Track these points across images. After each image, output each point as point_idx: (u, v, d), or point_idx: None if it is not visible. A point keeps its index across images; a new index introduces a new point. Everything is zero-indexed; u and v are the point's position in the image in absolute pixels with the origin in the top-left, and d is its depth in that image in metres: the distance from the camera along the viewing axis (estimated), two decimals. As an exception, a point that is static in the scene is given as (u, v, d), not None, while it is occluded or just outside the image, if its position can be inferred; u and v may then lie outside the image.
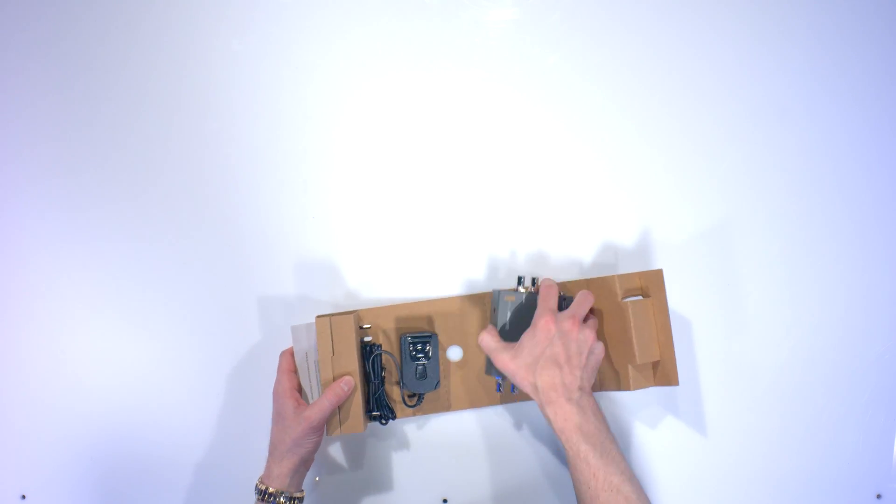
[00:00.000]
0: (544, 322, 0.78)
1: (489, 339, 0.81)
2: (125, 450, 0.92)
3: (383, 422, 0.87)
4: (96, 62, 0.93)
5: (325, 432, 0.83)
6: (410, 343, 0.86)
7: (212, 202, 0.91)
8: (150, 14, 0.92)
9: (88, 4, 0.92)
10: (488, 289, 0.90)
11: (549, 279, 0.83)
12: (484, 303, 0.89)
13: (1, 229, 0.94)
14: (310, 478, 0.90)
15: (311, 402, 0.84)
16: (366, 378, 0.85)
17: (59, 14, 0.93)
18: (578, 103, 0.91)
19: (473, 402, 0.89)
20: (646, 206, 0.91)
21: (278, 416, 0.83)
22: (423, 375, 0.86)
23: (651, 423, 0.90)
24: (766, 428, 0.90)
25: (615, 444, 0.76)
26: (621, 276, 0.82)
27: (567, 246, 0.91)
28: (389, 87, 0.91)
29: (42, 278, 0.93)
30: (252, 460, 0.89)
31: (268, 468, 0.81)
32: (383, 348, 0.87)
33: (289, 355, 0.86)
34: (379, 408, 0.86)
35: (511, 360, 0.78)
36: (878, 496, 0.90)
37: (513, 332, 0.83)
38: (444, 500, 0.91)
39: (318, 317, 0.83)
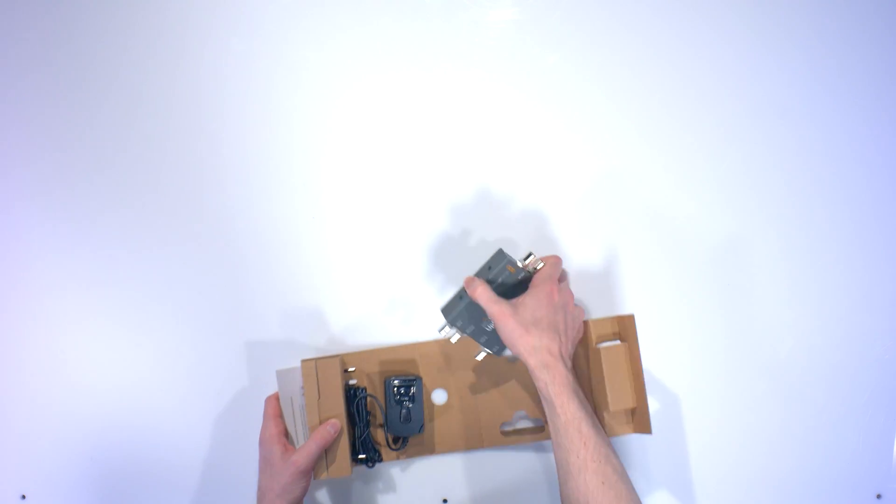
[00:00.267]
0: (550, 288, 0.78)
1: (486, 291, 0.79)
2: (125, 450, 0.92)
3: (370, 464, 0.87)
4: (94, 64, 0.93)
5: (310, 482, 0.83)
6: (395, 386, 0.87)
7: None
8: (150, 14, 0.92)
9: (86, 7, 0.92)
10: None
11: (557, 256, 0.84)
12: (470, 346, 0.86)
13: (1, 232, 0.94)
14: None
15: (297, 446, 0.84)
16: (351, 421, 0.86)
17: (58, 16, 0.92)
18: (578, 103, 0.91)
19: (457, 446, 0.89)
20: (646, 206, 0.91)
21: (265, 463, 0.82)
22: (408, 419, 0.87)
23: (651, 406, 0.89)
24: (766, 428, 0.90)
25: (592, 413, 0.77)
26: (595, 322, 0.83)
27: (568, 247, 0.91)
28: (390, 88, 0.91)
29: (42, 280, 0.93)
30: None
31: None
32: (368, 391, 0.87)
33: (274, 400, 0.86)
34: (365, 450, 0.86)
35: (511, 316, 0.77)
36: (878, 496, 0.90)
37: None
38: (444, 501, 0.91)
39: (304, 361, 0.83)
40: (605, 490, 0.73)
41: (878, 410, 0.90)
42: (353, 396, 0.86)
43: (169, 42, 0.92)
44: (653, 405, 0.90)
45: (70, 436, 0.92)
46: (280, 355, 0.90)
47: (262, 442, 0.84)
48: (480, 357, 0.85)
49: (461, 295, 0.83)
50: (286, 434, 0.85)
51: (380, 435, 0.88)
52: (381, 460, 0.87)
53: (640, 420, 0.81)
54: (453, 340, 0.84)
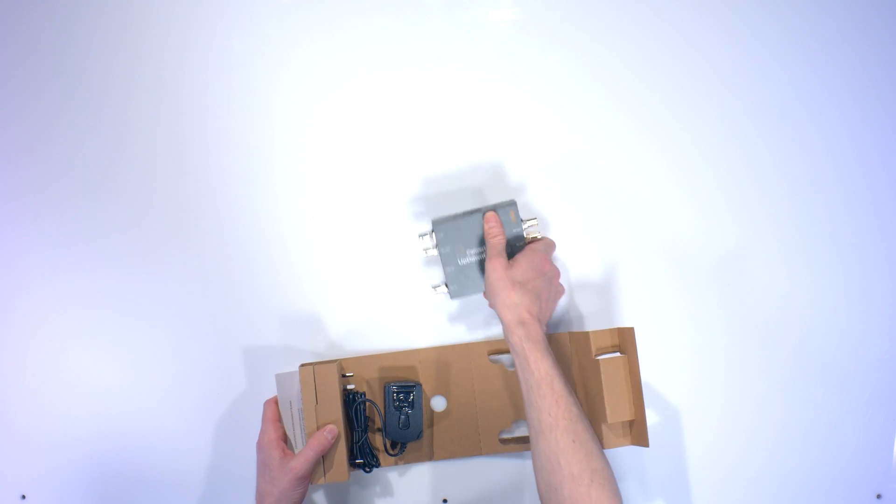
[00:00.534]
0: (542, 258, 0.82)
1: (502, 238, 0.82)
2: (124, 452, 0.92)
3: (367, 469, 0.87)
4: (93, 65, 0.93)
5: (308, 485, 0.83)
6: (394, 392, 0.86)
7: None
8: (151, 14, 0.92)
9: (86, 7, 0.92)
10: (472, 338, 0.90)
11: (552, 240, 0.87)
12: (469, 353, 0.89)
13: (1, 234, 0.94)
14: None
15: (296, 450, 0.84)
16: (349, 426, 0.86)
17: (58, 16, 0.92)
18: (579, 104, 0.91)
19: (455, 453, 0.89)
20: (646, 206, 0.91)
21: (264, 467, 0.82)
22: (407, 425, 0.86)
23: (650, 423, 0.90)
24: (766, 428, 0.90)
25: (565, 377, 0.78)
26: (595, 333, 0.83)
27: (568, 253, 0.91)
28: (390, 88, 0.91)
29: (42, 282, 0.93)
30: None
31: None
32: (367, 397, 0.87)
33: (273, 404, 0.86)
34: (363, 456, 0.86)
35: (504, 268, 0.80)
36: (878, 496, 0.90)
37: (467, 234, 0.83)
38: (444, 501, 0.91)
39: (302, 365, 0.83)
40: (576, 448, 0.73)
41: (878, 410, 0.90)
42: (351, 401, 0.86)
43: (168, 43, 0.92)
44: (651, 413, 0.90)
45: (70, 436, 0.92)
46: (279, 360, 0.90)
47: (261, 446, 0.84)
48: (436, 290, 0.85)
49: (460, 217, 0.84)
50: (285, 438, 0.84)
51: (378, 440, 0.88)
52: (378, 465, 0.87)
53: (637, 433, 0.81)
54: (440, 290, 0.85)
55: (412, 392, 0.86)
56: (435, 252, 0.84)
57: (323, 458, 0.83)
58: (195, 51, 0.92)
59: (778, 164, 0.91)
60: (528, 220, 0.84)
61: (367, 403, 0.86)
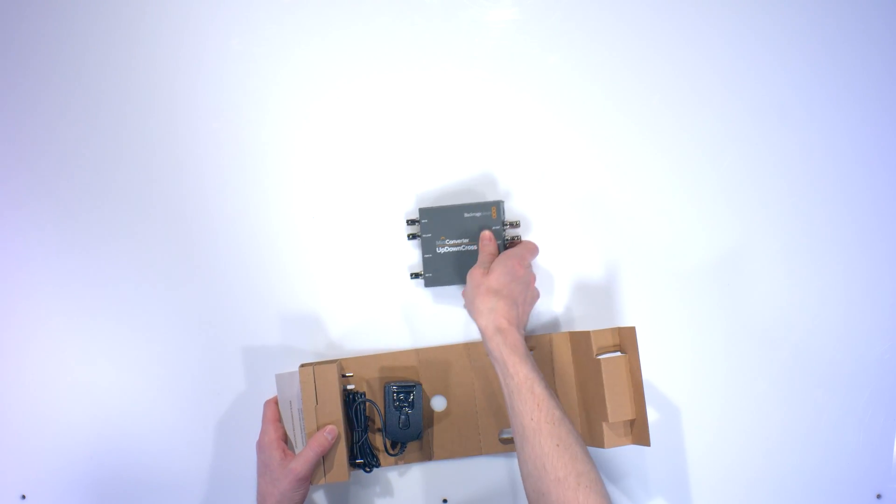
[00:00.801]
0: (515, 263, 0.82)
1: (494, 247, 0.85)
2: (124, 452, 0.92)
3: (367, 469, 0.87)
4: (92, 65, 0.93)
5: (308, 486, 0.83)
6: (395, 392, 0.86)
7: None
8: (150, 14, 0.92)
9: (85, 8, 0.92)
10: (472, 338, 0.90)
11: (535, 244, 0.87)
12: (469, 353, 0.89)
13: (2, 237, 0.94)
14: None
15: (296, 450, 0.84)
16: (349, 426, 0.85)
17: (58, 17, 0.92)
18: (579, 104, 0.91)
19: (456, 453, 0.89)
20: (646, 205, 0.91)
21: (264, 468, 0.82)
22: (407, 425, 0.86)
23: (651, 422, 0.89)
24: (766, 428, 0.90)
25: (544, 379, 0.79)
26: (596, 332, 0.83)
27: (568, 253, 0.91)
28: (390, 88, 0.91)
29: (42, 282, 0.93)
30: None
31: None
32: (367, 397, 0.87)
33: (273, 404, 0.86)
34: (363, 455, 0.86)
35: (481, 276, 0.81)
36: (878, 496, 0.90)
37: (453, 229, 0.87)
38: (444, 501, 0.91)
39: (302, 366, 0.83)
40: (561, 452, 0.73)
41: (878, 410, 0.90)
42: (351, 401, 0.85)
43: (168, 43, 0.92)
44: (652, 412, 0.90)
45: (70, 437, 0.92)
46: (279, 360, 0.90)
47: (261, 447, 0.84)
48: (413, 279, 0.88)
49: (447, 208, 0.87)
50: (285, 438, 0.84)
51: (378, 440, 0.88)
52: (378, 465, 0.87)
53: (638, 432, 0.81)
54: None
55: (412, 392, 0.86)
56: (418, 236, 0.88)
57: (323, 459, 0.83)
58: (195, 51, 0.92)
59: (778, 164, 0.91)
60: (512, 222, 0.87)
61: (367, 403, 0.86)
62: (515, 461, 0.90)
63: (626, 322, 0.90)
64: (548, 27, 0.91)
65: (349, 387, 0.87)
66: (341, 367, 0.87)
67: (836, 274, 0.90)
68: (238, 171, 0.92)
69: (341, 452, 0.83)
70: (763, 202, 0.90)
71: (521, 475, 0.76)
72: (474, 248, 0.87)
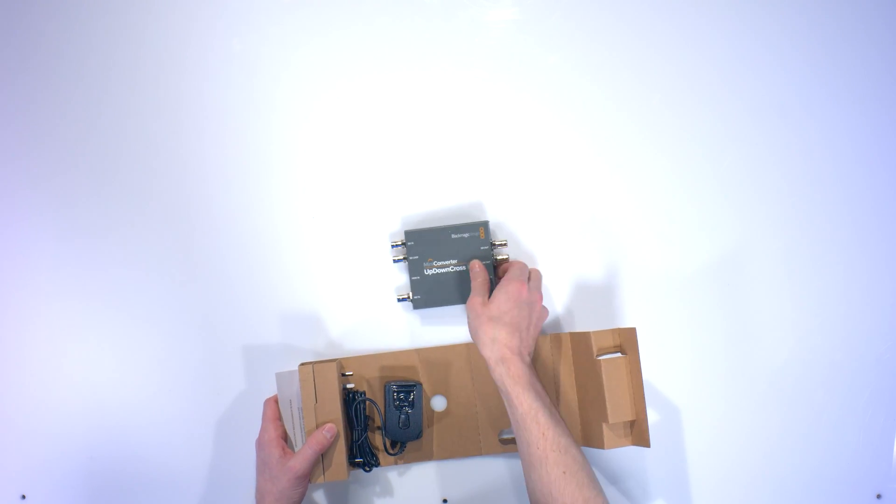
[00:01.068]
0: (518, 286, 0.81)
1: (486, 277, 0.84)
2: (124, 451, 0.92)
3: (367, 469, 0.87)
4: (92, 65, 0.93)
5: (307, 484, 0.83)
6: (395, 391, 0.86)
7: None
8: (150, 14, 0.92)
9: (85, 6, 0.92)
10: (470, 339, 0.89)
11: (522, 262, 0.87)
12: (469, 353, 0.89)
13: (2, 235, 0.94)
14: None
15: (296, 449, 0.84)
16: (349, 425, 0.85)
17: (58, 16, 0.92)
18: (579, 104, 0.91)
19: (455, 453, 0.89)
20: (646, 205, 0.91)
21: (263, 466, 0.83)
22: (407, 424, 0.86)
23: (651, 423, 0.89)
24: (766, 428, 0.90)
25: (558, 411, 0.79)
26: (596, 333, 0.83)
27: (569, 255, 0.91)
28: (389, 88, 0.91)
29: (41, 282, 0.93)
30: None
31: None
32: (367, 396, 0.87)
33: (273, 403, 0.86)
34: (362, 454, 0.86)
35: (481, 306, 0.81)
36: (878, 496, 0.90)
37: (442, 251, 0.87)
38: (444, 501, 0.91)
39: (301, 365, 0.83)
40: (567, 479, 0.74)
41: (878, 410, 0.90)
42: (351, 400, 0.85)
43: (168, 42, 0.92)
44: (652, 413, 0.89)
45: (70, 436, 0.92)
46: (279, 359, 0.90)
47: (261, 445, 0.84)
48: (400, 302, 0.89)
49: (433, 230, 0.87)
50: (285, 437, 0.84)
51: (378, 440, 0.88)
52: (378, 465, 0.87)
53: (638, 433, 0.81)
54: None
55: (412, 391, 0.86)
56: (406, 258, 0.88)
57: (322, 457, 0.83)
58: (195, 51, 0.92)
59: (778, 164, 0.91)
60: (499, 242, 0.88)
61: (367, 402, 0.86)
62: (515, 461, 0.90)
63: (626, 323, 0.90)
64: (548, 27, 0.91)
65: (349, 385, 0.87)
66: (341, 366, 0.87)
67: (836, 274, 0.90)
68: (238, 171, 0.92)
69: (340, 451, 0.83)
70: (763, 202, 0.90)
71: (529, 500, 0.78)
72: (463, 268, 0.87)
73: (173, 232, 0.92)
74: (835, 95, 0.90)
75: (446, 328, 0.91)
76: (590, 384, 0.83)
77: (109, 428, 0.92)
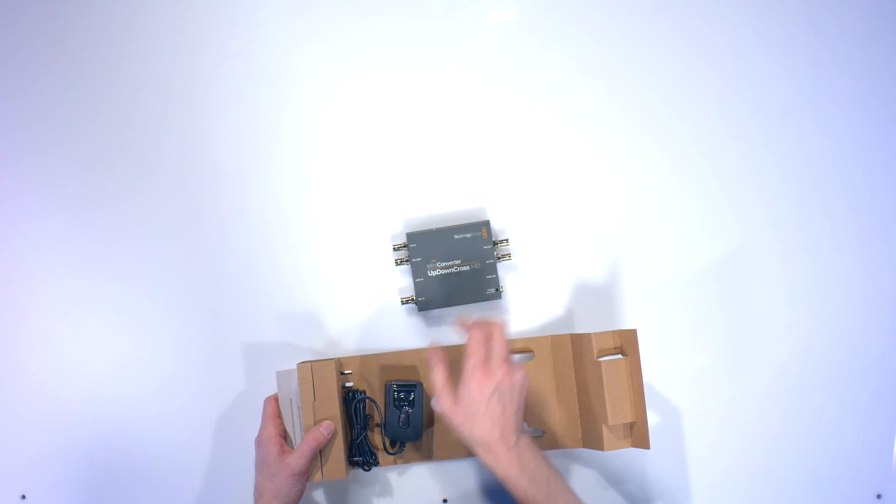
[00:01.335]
0: (479, 379, 0.76)
1: (443, 374, 0.79)
2: (124, 451, 0.92)
3: (366, 468, 0.86)
4: (94, 63, 0.93)
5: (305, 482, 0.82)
6: (395, 391, 0.86)
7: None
8: (150, 14, 0.92)
9: (87, 5, 0.92)
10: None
11: (483, 323, 0.79)
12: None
13: (2, 235, 0.94)
14: None
15: (294, 447, 0.84)
16: (349, 423, 0.85)
17: (58, 14, 0.92)
18: (579, 104, 0.91)
19: (456, 453, 0.89)
20: (646, 205, 0.91)
21: (262, 463, 0.83)
22: (407, 424, 0.86)
23: (651, 425, 0.89)
24: (766, 428, 0.90)
25: (559, 478, 0.77)
26: (597, 335, 0.83)
27: (570, 255, 0.91)
28: (389, 87, 0.91)
29: (41, 281, 0.93)
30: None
31: None
32: (367, 395, 0.86)
33: (273, 401, 0.86)
34: (361, 453, 0.85)
35: (452, 406, 0.77)
36: (878, 496, 0.90)
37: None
38: (444, 501, 0.91)
39: (300, 363, 0.83)
40: None
41: (878, 410, 0.90)
42: (351, 399, 0.85)
43: (168, 42, 0.92)
44: (652, 415, 0.89)
45: (70, 436, 0.92)
46: (280, 358, 0.90)
47: (260, 442, 0.84)
48: (404, 303, 0.88)
49: (434, 231, 0.87)
50: (284, 435, 0.84)
51: (378, 439, 0.88)
52: (377, 464, 0.87)
53: (638, 435, 0.81)
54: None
55: (413, 391, 0.86)
56: (408, 261, 0.88)
57: (321, 455, 0.83)
58: (197, 51, 0.92)
59: (778, 164, 0.91)
60: (501, 242, 0.88)
61: (368, 401, 0.86)
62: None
63: (627, 324, 0.90)
64: (548, 27, 0.91)
65: (348, 384, 0.87)
66: (340, 365, 0.87)
67: (835, 274, 0.90)
68: (238, 171, 0.92)
69: (338, 449, 0.83)
70: (763, 202, 0.91)
71: None
72: (466, 268, 0.87)
73: (174, 232, 0.92)
74: (835, 96, 0.90)
75: (447, 329, 0.91)
76: (590, 385, 0.83)
77: (109, 428, 0.92)
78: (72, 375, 0.93)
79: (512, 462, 0.75)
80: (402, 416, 0.86)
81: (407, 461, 0.89)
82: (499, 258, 0.88)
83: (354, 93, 0.91)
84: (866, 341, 0.90)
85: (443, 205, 0.91)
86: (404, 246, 0.88)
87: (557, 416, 0.87)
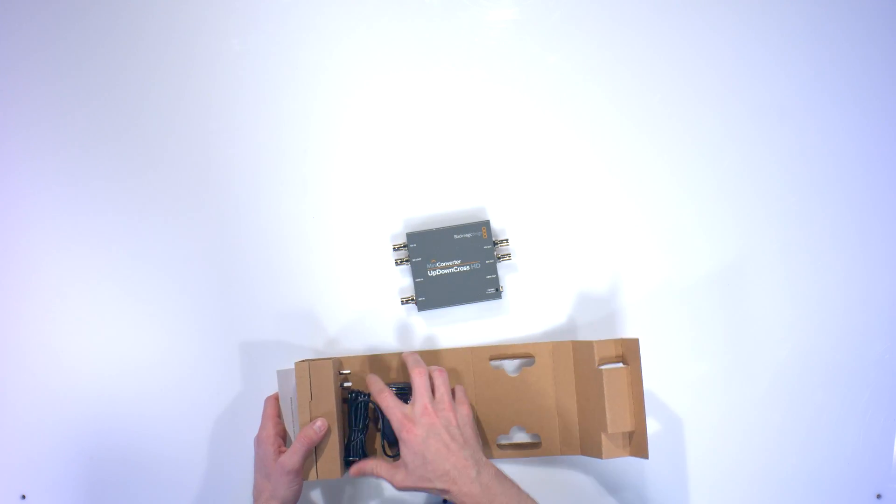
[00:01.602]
0: (407, 432, 0.78)
1: (382, 466, 0.81)
2: (124, 450, 0.92)
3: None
4: (95, 63, 0.93)
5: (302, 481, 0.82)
6: (395, 393, 0.85)
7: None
8: (151, 14, 0.92)
9: (90, 4, 0.92)
10: (474, 343, 0.89)
11: (376, 381, 0.83)
12: (471, 357, 0.89)
13: (1, 231, 0.94)
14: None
15: None
16: (346, 424, 0.85)
17: (61, 12, 0.93)
18: (579, 104, 0.91)
19: None
20: (646, 205, 0.91)
21: (260, 463, 0.83)
22: None
23: (650, 423, 0.89)
24: (766, 428, 0.90)
25: (529, 499, 0.78)
26: (599, 343, 0.83)
27: (571, 258, 0.91)
28: (389, 88, 0.91)
29: (41, 280, 0.93)
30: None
31: None
32: (367, 396, 0.86)
33: (273, 400, 0.86)
34: (355, 455, 0.84)
35: (406, 478, 0.78)
36: (878, 496, 0.90)
37: None
38: (445, 500, 0.91)
39: (298, 362, 0.83)
40: None
41: (878, 410, 0.90)
42: (353, 400, 0.85)
43: (169, 42, 0.92)
44: (652, 422, 0.89)
45: (70, 436, 0.92)
46: (280, 357, 0.90)
47: (259, 442, 0.84)
48: (404, 303, 0.89)
49: (434, 231, 0.88)
50: (284, 434, 0.84)
51: (378, 441, 0.88)
52: None
53: (637, 444, 0.81)
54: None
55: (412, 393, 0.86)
56: (406, 264, 0.88)
57: (316, 454, 0.83)
58: (193, 51, 0.92)
59: (778, 165, 0.91)
60: (501, 242, 0.88)
61: (370, 404, 0.86)
62: (513, 466, 0.90)
63: (627, 327, 0.90)
64: (548, 27, 0.91)
65: (347, 384, 0.87)
66: (339, 364, 0.87)
67: (835, 274, 0.90)
68: (238, 171, 0.92)
69: (333, 448, 0.82)
70: (763, 203, 0.91)
71: None
72: (466, 268, 0.87)
73: (174, 232, 0.92)
74: (835, 97, 0.90)
75: (449, 327, 0.91)
76: (590, 393, 0.83)
77: (110, 427, 0.92)
78: (71, 375, 0.93)
79: (478, 493, 0.76)
80: None
81: None
82: (499, 258, 0.88)
83: (354, 93, 0.91)
84: (866, 341, 0.90)
85: (443, 205, 0.91)
86: (404, 246, 0.88)
87: (557, 422, 0.87)
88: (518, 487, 0.79)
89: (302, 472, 0.82)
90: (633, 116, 0.91)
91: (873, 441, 0.90)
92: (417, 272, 0.88)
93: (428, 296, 0.88)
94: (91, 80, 0.93)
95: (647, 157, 0.91)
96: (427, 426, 0.78)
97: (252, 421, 0.86)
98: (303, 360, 0.84)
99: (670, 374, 0.90)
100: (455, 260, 0.87)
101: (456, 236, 0.87)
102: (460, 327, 0.90)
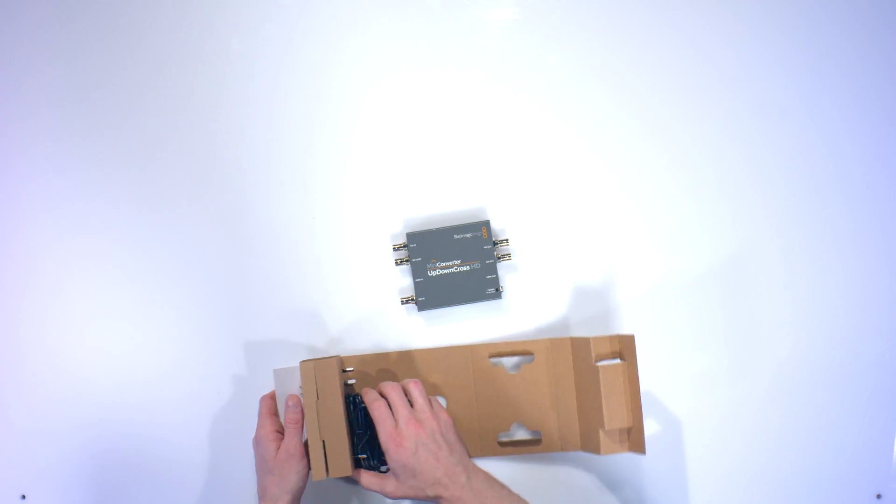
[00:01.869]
0: (395, 446, 0.78)
1: (370, 479, 0.82)
2: (124, 450, 0.92)
3: (383, 469, 0.84)
4: (95, 62, 0.93)
5: (309, 474, 0.82)
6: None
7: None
8: (150, 13, 0.92)
9: (89, 3, 0.92)
10: (473, 340, 0.89)
11: (370, 391, 0.83)
12: (470, 354, 0.89)
13: (2, 230, 0.94)
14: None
15: None
16: (350, 423, 0.84)
17: (60, 10, 0.93)
18: (579, 104, 0.91)
19: None
20: (647, 204, 0.91)
21: (262, 461, 0.83)
22: None
23: (650, 424, 0.89)
24: (766, 428, 0.90)
25: (520, 500, 0.79)
26: (595, 339, 0.83)
27: (569, 257, 0.91)
28: (389, 88, 0.91)
29: (41, 280, 0.93)
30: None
31: None
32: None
33: (269, 399, 0.86)
34: (363, 451, 0.84)
35: (397, 489, 0.80)
36: (878, 496, 0.90)
37: None
38: (444, 500, 0.91)
39: (303, 362, 0.83)
40: None
41: (878, 410, 0.90)
42: (354, 405, 0.85)
43: (169, 42, 0.92)
44: (650, 420, 0.89)
45: (70, 436, 0.92)
46: (279, 356, 0.90)
47: (258, 440, 0.84)
48: (404, 303, 0.89)
49: (434, 231, 0.88)
50: (282, 432, 0.84)
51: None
52: (385, 463, 0.86)
53: (634, 440, 0.81)
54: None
55: None
56: (406, 264, 0.88)
57: (325, 454, 0.82)
58: (192, 51, 0.92)
59: (778, 165, 0.91)
60: (501, 243, 0.88)
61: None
62: (513, 464, 0.90)
63: (626, 325, 0.90)
64: (548, 27, 0.91)
65: (350, 382, 0.87)
66: (342, 363, 0.87)
67: (835, 274, 0.90)
68: (239, 171, 0.92)
69: (342, 446, 0.82)
70: (763, 202, 0.91)
71: None
72: (466, 268, 0.87)
73: (174, 229, 0.92)
74: (835, 97, 0.90)
75: (449, 327, 0.91)
76: (588, 389, 0.83)
77: (110, 427, 0.92)
78: (72, 375, 0.93)
79: (470, 498, 0.77)
80: None
81: None
82: (499, 258, 0.88)
83: (354, 93, 0.91)
84: (866, 341, 0.90)
85: (443, 205, 0.91)
86: (404, 246, 0.88)
87: (555, 419, 0.87)
88: (508, 489, 0.80)
89: (305, 457, 0.82)
90: (633, 116, 0.91)
91: (873, 441, 0.90)
92: (417, 272, 0.88)
93: (428, 296, 0.88)
94: (93, 75, 0.92)
95: (648, 156, 0.91)
96: (414, 437, 0.79)
97: (253, 421, 0.86)
98: (307, 360, 0.84)
99: (671, 373, 0.90)
100: (455, 260, 0.88)
101: (456, 236, 0.88)
102: (460, 327, 0.90)
